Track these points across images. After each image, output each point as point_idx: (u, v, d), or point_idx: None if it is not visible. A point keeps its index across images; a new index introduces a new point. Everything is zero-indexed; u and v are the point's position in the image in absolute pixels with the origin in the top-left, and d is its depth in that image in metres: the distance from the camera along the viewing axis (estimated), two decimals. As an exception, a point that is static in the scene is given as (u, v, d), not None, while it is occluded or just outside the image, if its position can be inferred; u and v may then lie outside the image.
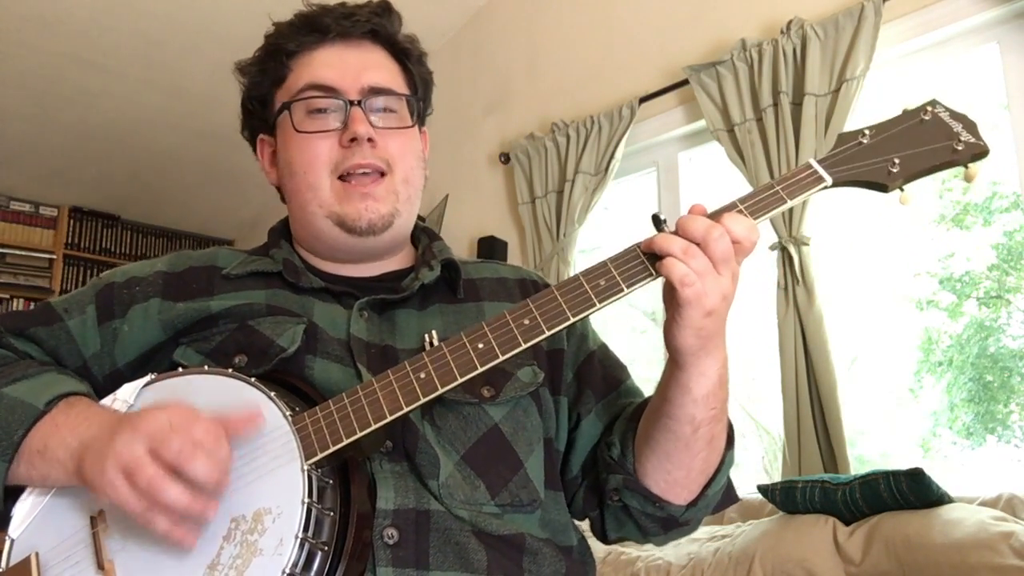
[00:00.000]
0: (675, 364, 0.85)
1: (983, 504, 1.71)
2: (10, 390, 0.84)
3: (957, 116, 0.86)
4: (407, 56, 1.06)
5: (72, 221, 4.67)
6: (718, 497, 0.96)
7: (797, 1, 2.39)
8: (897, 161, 0.83)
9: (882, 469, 1.75)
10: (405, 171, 1.01)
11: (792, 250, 2.22)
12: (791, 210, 2.25)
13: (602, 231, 3.19)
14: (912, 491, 1.67)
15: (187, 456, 0.71)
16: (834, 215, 2.29)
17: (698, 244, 0.78)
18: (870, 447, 2.67)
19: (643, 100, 2.75)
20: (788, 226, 2.24)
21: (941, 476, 1.71)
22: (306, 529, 0.72)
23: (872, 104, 2.32)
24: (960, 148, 0.83)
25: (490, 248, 3.13)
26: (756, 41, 2.43)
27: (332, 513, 0.76)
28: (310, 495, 0.73)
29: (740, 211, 0.82)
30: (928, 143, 0.84)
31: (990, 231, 2.60)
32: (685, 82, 2.63)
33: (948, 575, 1.51)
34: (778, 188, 0.84)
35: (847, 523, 1.76)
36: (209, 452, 0.72)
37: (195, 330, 0.94)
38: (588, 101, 2.96)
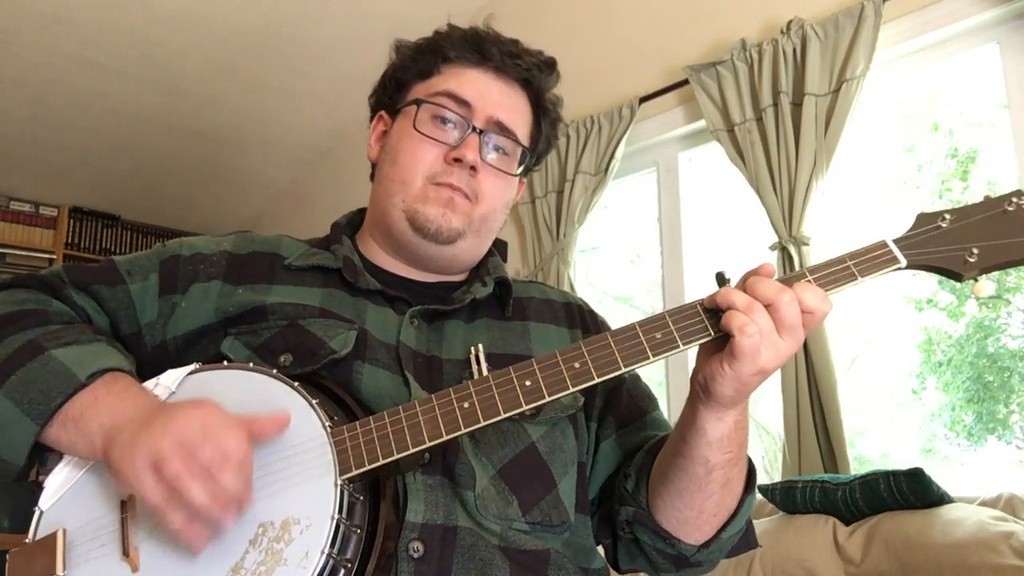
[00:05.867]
0: (693, 405, 0.84)
1: (983, 504, 1.71)
2: (59, 353, 0.83)
3: None
4: (544, 114, 1.09)
5: (72, 221, 4.68)
6: (734, 541, 0.96)
7: (797, 1, 2.39)
8: (976, 251, 0.80)
9: (882, 469, 1.75)
10: (487, 208, 1.03)
11: (792, 250, 2.22)
12: (791, 209, 2.25)
13: (602, 231, 3.19)
14: (912, 491, 1.67)
15: (217, 465, 0.71)
16: (834, 215, 2.29)
17: (767, 306, 0.77)
18: (870, 447, 2.67)
19: (643, 100, 2.75)
20: (788, 226, 2.24)
21: (941, 476, 1.71)
22: (332, 544, 0.72)
23: (872, 104, 2.32)
24: None
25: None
26: (756, 41, 2.43)
27: (359, 530, 0.76)
28: (340, 511, 0.74)
29: (808, 281, 0.80)
30: (1010, 236, 0.81)
31: (990, 231, 2.58)
32: (685, 82, 2.63)
33: (948, 575, 1.51)
34: (850, 264, 0.81)
35: (847, 523, 1.76)
36: (238, 465, 0.72)
37: (245, 320, 0.95)
38: (588, 101, 2.96)
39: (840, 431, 2.07)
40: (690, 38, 2.71)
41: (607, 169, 2.78)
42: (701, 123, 2.62)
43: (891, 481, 1.70)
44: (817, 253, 2.22)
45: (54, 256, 4.57)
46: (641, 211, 3.05)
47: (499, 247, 3.58)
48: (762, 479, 2.34)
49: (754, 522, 1.94)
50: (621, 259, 3.31)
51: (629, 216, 3.17)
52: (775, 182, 2.30)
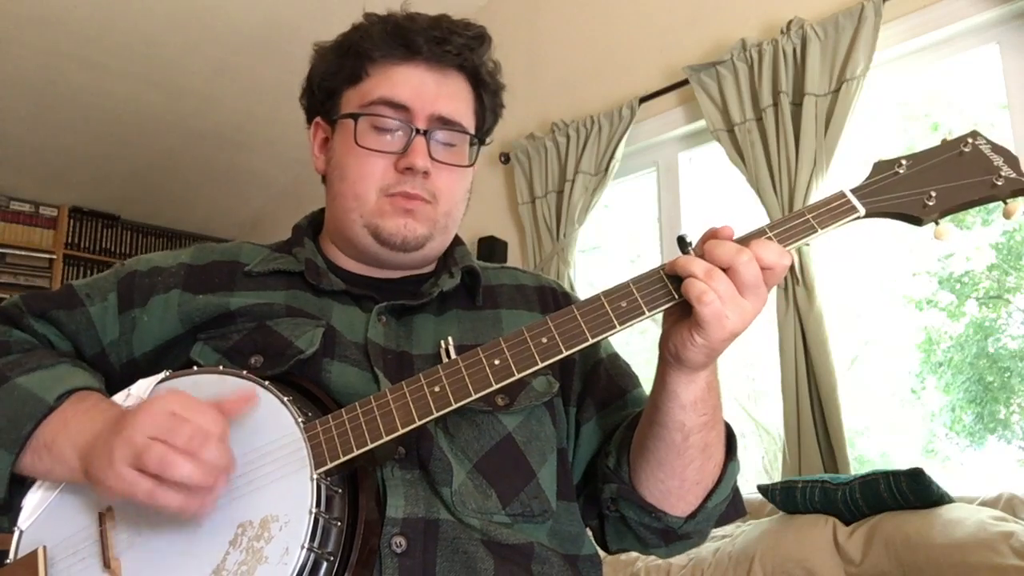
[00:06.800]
0: (664, 370, 0.84)
1: (983, 504, 1.71)
2: (24, 380, 0.83)
3: (999, 149, 0.83)
4: (484, 88, 1.06)
5: (72, 221, 4.67)
6: (721, 509, 0.94)
7: (797, 1, 2.40)
8: (934, 194, 0.81)
9: (882, 469, 1.75)
10: (449, 205, 1.01)
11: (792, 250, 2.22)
12: (791, 209, 2.24)
13: (602, 231, 3.19)
14: (912, 491, 1.67)
15: (198, 443, 0.71)
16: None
17: (725, 269, 0.76)
18: (870, 447, 2.67)
19: (643, 100, 2.75)
20: (788, 226, 2.24)
21: (941, 476, 1.72)
22: (312, 539, 0.72)
23: (872, 104, 2.32)
24: (1000, 183, 0.80)
25: (490, 248, 3.13)
26: (756, 41, 2.43)
27: (339, 523, 0.76)
28: (318, 505, 0.74)
29: (768, 238, 0.80)
30: (967, 176, 0.81)
31: (989, 231, 2.60)
32: (685, 82, 2.63)
33: (948, 575, 1.51)
34: (809, 217, 0.81)
35: (847, 523, 1.76)
36: (217, 439, 0.72)
37: (213, 326, 0.94)
38: (588, 101, 2.96)
39: (840, 431, 2.07)
40: (690, 38, 2.71)
41: (607, 169, 2.78)
42: (701, 123, 2.62)
43: (891, 481, 1.70)
44: (817, 252, 2.22)
45: (54, 256, 4.57)
46: (641, 211, 3.05)
47: (499, 247, 3.56)
48: (762, 479, 2.34)
49: (754, 522, 1.95)
50: (621, 259, 3.31)
51: (629, 216, 3.17)
52: (775, 182, 2.31)
